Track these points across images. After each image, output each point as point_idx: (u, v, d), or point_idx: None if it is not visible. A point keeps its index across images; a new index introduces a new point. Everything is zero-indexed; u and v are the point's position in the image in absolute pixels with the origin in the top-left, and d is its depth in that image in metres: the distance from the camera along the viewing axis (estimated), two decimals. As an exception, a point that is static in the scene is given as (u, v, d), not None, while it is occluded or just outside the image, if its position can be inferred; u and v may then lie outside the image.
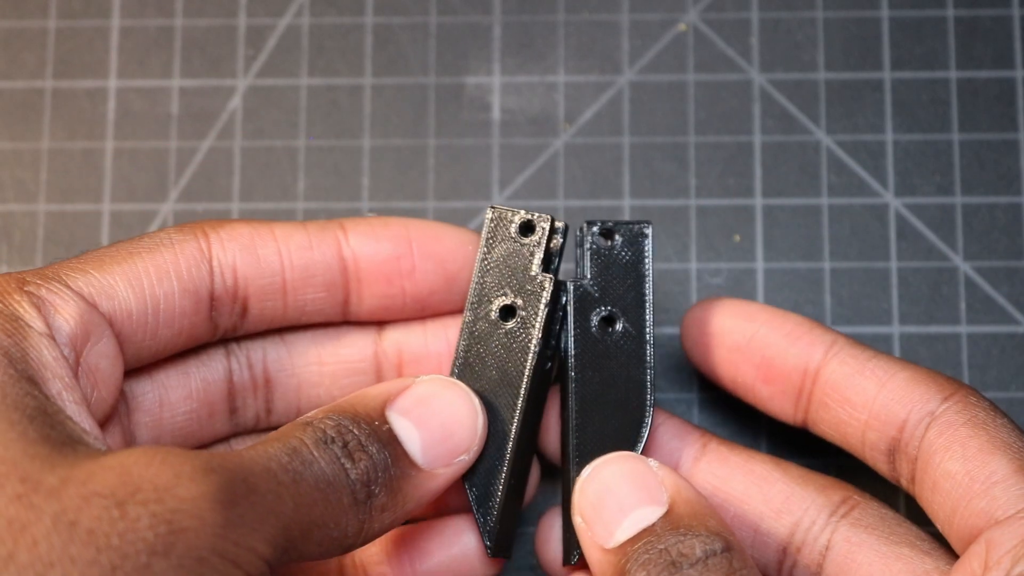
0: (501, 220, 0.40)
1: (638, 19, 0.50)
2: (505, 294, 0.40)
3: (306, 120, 0.50)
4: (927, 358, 0.47)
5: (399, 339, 0.42)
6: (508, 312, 0.40)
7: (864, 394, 0.39)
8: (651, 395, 0.40)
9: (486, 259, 0.40)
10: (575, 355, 0.40)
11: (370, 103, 0.50)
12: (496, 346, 0.39)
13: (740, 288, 0.48)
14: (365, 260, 0.41)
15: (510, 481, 0.39)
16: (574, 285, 0.40)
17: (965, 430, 0.37)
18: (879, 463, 0.40)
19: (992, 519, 0.35)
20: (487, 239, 0.40)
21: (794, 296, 0.48)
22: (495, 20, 0.50)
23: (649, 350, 0.40)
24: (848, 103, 0.49)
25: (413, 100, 0.50)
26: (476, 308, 0.40)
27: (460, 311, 0.42)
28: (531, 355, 0.39)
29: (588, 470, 0.38)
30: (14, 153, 0.50)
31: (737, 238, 0.48)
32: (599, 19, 0.50)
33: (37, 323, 0.34)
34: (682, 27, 0.50)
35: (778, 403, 0.41)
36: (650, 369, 0.40)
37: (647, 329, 0.40)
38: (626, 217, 0.48)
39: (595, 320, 0.40)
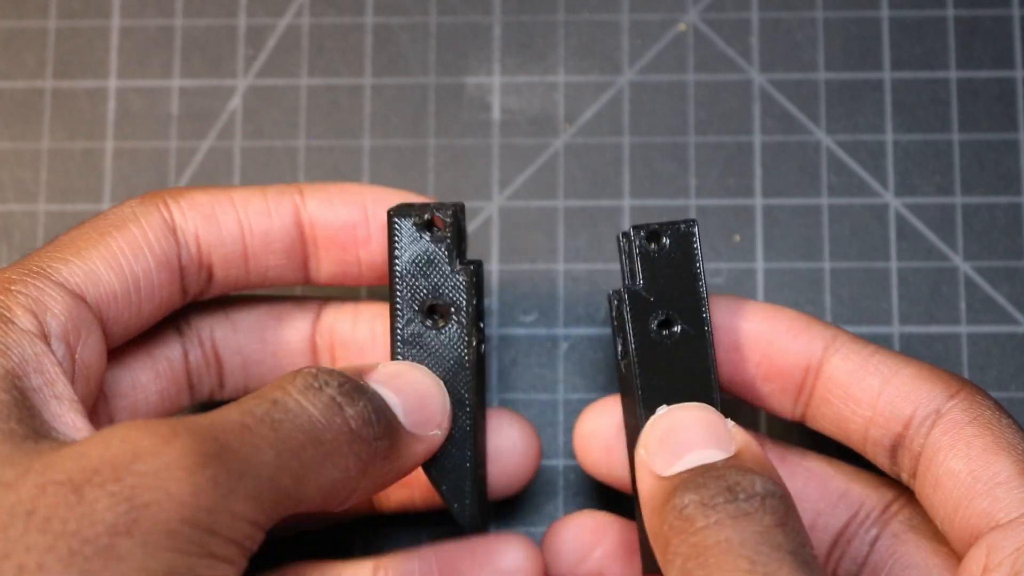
0: (402, 219, 0.39)
1: (638, 19, 0.50)
2: (429, 295, 0.39)
3: (306, 120, 0.50)
4: (927, 358, 0.47)
5: (332, 323, 0.43)
6: (436, 313, 0.39)
7: (869, 390, 0.39)
8: (717, 392, 0.38)
9: (398, 264, 0.39)
10: (638, 363, 0.39)
11: (370, 103, 0.50)
12: (432, 346, 0.39)
13: (740, 288, 0.48)
14: (321, 226, 0.40)
15: (476, 471, 0.39)
16: (629, 293, 0.39)
17: (970, 429, 0.37)
18: (880, 458, 0.40)
19: (993, 521, 0.35)
20: (394, 244, 0.39)
21: (794, 296, 0.48)
22: (495, 20, 0.50)
23: (711, 348, 0.39)
24: (848, 103, 0.49)
25: (413, 100, 0.50)
26: (402, 315, 0.39)
27: None
28: (470, 350, 0.39)
29: (662, 409, 0.37)
30: (14, 153, 0.50)
31: (737, 238, 0.48)
32: (599, 19, 0.50)
33: (23, 321, 0.34)
34: (682, 27, 0.50)
35: (777, 400, 0.41)
36: (713, 367, 0.39)
37: (706, 328, 0.39)
38: (627, 218, 0.48)
39: (654, 325, 0.39)
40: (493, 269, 0.48)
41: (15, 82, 0.50)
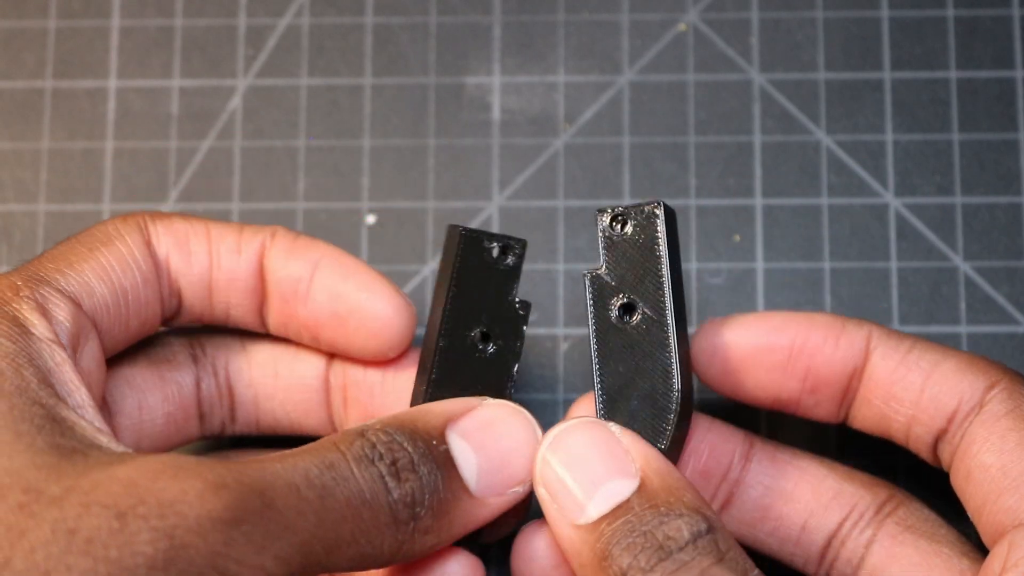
0: (472, 243, 0.39)
1: (638, 19, 0.50)
2: (481, 320, 0.39)
3: (306, 120, 0.50)
4: (927, 358, 0.47)
5: (345, 362, 0.42)
6: (485, 339, 0.39)
7: (911, 388, 0.39)
8: (677, 380, 0.37)
9: (458, 283, 0.39)
10: (596, 348, 0.38)
11: (370, 103, 0.50)
12: (472, 370, 0.39)
13: (740, 288, 0.48)
14: (271, 274, 0.40)
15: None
16: (590, 276, 0.39)
17: (1006, 422, 0.37)
18: (923, 452, 0.39)
19: (1019, 519, 0.35)
20: (458, 262, 0.39)
21: (794, 296, 0.48)
22: (495, 20, 0.50)
23: (672, 334, 0.38)
24: (848, 103, 0.49)
25: (413, 100, 0.50)
26: (451, 333, 0.39)
27: (357, 357, 0.41)
28: (511, 382, 0.39)
29: (549, 438, 0.37)
30: (14, 153, 0.50)
31: (737, 238, 0.48)
32: (599, 19, 0.50)
33: (40, 328, 0.34)
34: (682, 27, 0.50)
35: (824, 408, 0.40)
36: (674, 353, 0.37)
37: (667, 313, 0.38)
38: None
39: (614, 310, 0.38)
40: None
41: (15, 82, 0.50)
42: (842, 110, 0.49)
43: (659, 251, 0.38)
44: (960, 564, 0.38)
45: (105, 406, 0.39)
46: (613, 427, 0.37)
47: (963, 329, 0.47)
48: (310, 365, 0.42)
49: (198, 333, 0.42)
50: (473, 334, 0.39)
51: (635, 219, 0.38)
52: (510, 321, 0.39)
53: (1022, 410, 0.37)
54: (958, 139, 0.49)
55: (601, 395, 0.38)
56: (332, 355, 0.42)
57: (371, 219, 0.49)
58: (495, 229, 0.49)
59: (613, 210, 0.39)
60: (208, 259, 0.40)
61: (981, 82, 0.49)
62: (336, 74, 0.50)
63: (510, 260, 0.39)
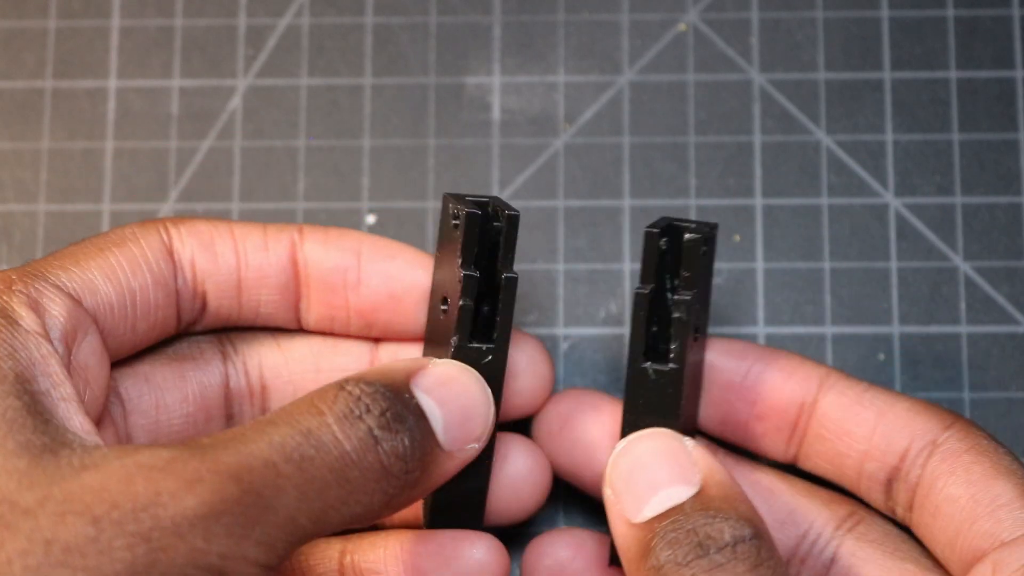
0: (474, 208, 0.38)
1: (638, 19, 0.50)
2: (446, 288, 0.39)
3: (306, 120, 0.50)
4: (927, 358, 0.47)
5: (394, 353, 0.42)
6: (445, 302, 0.39)
7: (864, 425, 0.39)
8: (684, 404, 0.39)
9: (440, 252, 0.39)
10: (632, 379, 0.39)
11: (370, 103, 0.50)
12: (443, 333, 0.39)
13: (740, 288, 0.48)
14: (314, 266, 0.40)
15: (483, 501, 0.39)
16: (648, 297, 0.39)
17: (968, 456, 0.37)
18: (874, 494, 0.40)
19: (998, 541, 0.35)
20: (441, 229, 0.40)
21: (794, 296, 0.48)
22: (495, 20, 0.50)
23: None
24: (848, 103, 0.49)
25: (413, 100, 0.50)
26: (432, 301, 0.40)
27: (410, 336, 0.41)
28: (503, 360, 0.38)
29: (622, 444, 0.38)
30: (14, 153, 0.50)
31: (737, 238, 0.48)
32: (599, 19, 0.50)
33: (27, 321, 0.34)
34: (682, 27, 0.50)
35: (771, 440, 0.41)
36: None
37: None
38: (627, 218, 0.48)
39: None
40: (493, 269, 0.48)
41: (15, 82, 0.50)
42: (842, 110, 0.49)
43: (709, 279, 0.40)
44: None
45: (119, 403, 0.39)
46: (686, 440, 0.38)
47: (963, 329, 0.47)
48: (352, 357, 0.42)
49: (229, 331, 0.42)
50: (440, 301, 0.40)
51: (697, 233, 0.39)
52: (506, 291, 0.38)
53: (982, 446, 0.38)
54: (958, 139, 0.49)
55: (625, 421, 0.39)
56: (379, 340, 0.42)
57: (371, 219, 0.49)
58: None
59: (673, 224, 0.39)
60: (235, 258, 0.40)
61: (981, 82, 0.49)
62: (336, 74, 0.50)
63: (509, 222, 0.38)
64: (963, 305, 0.47)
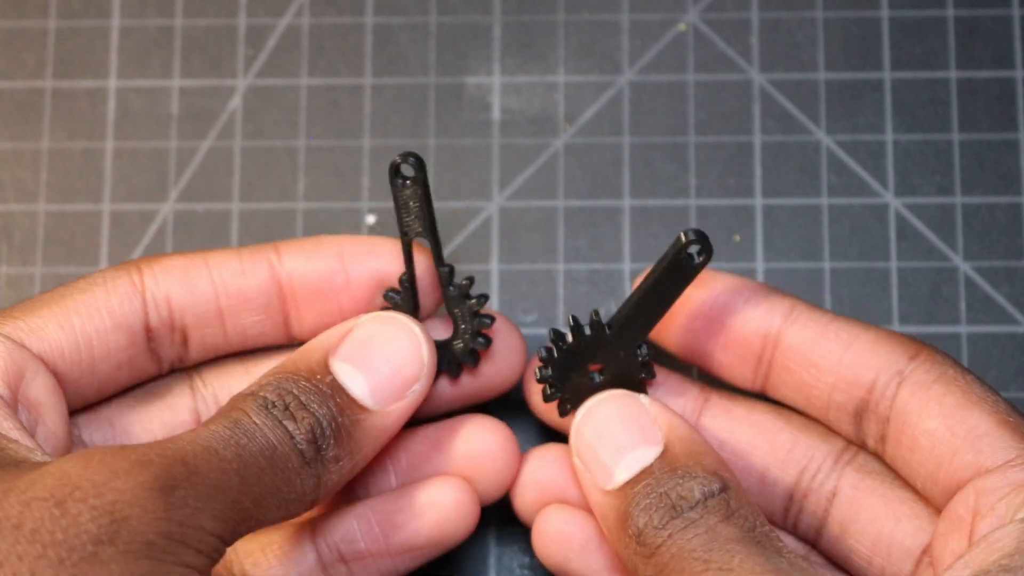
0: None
1: (638, 19, 0.50)
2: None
3: (306, 120, 0.50)
4: (927, 358, 0.47)
5: None
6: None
7: (829, 356, 0.39)
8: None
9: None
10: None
11: (370, 103, 0.50)
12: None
13: (740, 288, 0.48)
14: (299, 279, 0.41)
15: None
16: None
17: (938, 387, 0.37)
18: (844, 425, 0.40)
19: (980, 470, 0.36)
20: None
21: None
22: (495, 20, 0.50)
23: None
24: (848, 103, 0.49)
25: (413, 100, 0.50)
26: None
27: None
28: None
29: (582, 411, 0.39)
30: (14, 153, 0.50)
31: (737, 238, 0.48)
32: (599, 19, 0.50)
33: None
34: (682, 27, 0.50)
35: (737, 369, 0.41)
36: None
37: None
38: (627, 218, 0.48)
39: None
40: (493, 269, 0.48)
41: (15, 82, 0.50)
42: (842, 110, 0.49)
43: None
44: (926, 507, 0.39)
45: (82, 444, 0.40)
46: (643, 398, 0.39)
47: (963, 329, 0.47)
48: None
49: (199, 366, 0.43)
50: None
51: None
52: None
53: (949, 375, 0.38)
54: (958, 139, 0.49)
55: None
56: None
57: (371, 219, 0.49)
58: (495, 229, 0.49)
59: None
60: (211, 286, 0.41)
61: (981, 82, 0.49)
62: (336, 74, 0.50)
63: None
64: (963, 305, 0.47)
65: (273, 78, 0.50)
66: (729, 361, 0.41)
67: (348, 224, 0.49)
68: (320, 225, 0.49)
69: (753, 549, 0.34)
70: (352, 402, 0.38)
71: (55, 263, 0.49)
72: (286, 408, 0.36)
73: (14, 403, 0.36)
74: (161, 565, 0.31)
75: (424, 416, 0.42)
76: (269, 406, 0.36)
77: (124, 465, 0.31)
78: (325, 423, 0.36)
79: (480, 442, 0.42)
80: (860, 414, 0.39)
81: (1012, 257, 0.48)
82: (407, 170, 0.39)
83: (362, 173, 0.49)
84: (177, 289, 0.40)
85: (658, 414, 0.38)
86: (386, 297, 0.41)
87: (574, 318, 0.40)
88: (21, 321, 0.38)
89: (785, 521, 0.41)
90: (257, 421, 0.35)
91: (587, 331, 0.40)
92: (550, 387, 0.41)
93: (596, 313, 0.40)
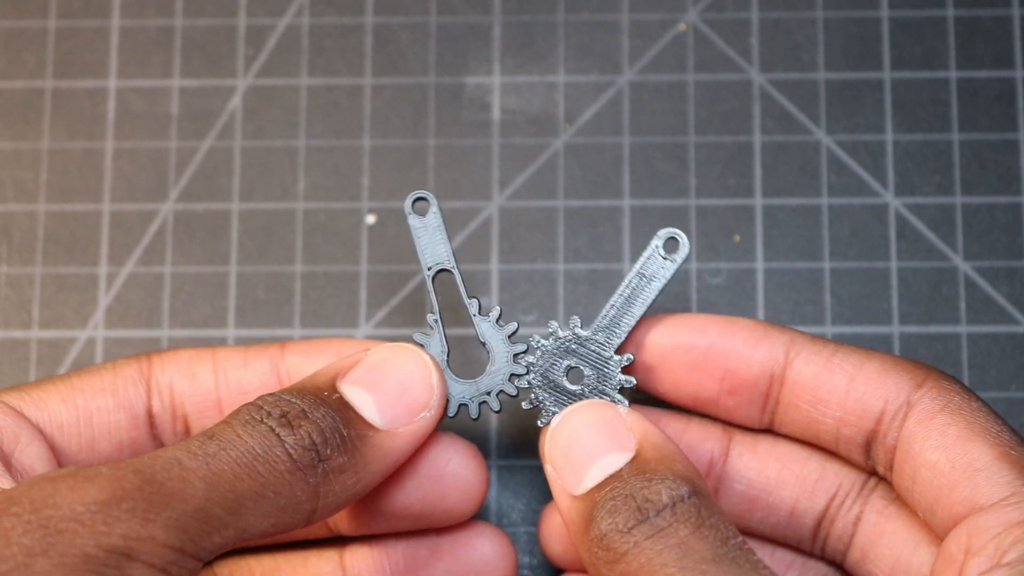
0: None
1: (638, 19, 0.50)
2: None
3: (306, 120, 0.50)
4: (927, 358, 0.47)
5: None
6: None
7: (836, 391, 0.39)
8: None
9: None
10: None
11: (370, 103, 0.50)
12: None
13: (740, 288, 0.48)
14: (297, 376, 0.41)
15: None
16: None
17: (942, 417, 0.37)
18: (854, 455, 0.40)
19: (975, 506, 0.36)
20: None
21: (794, 296, 0.48)
22: (495, 20, 0.50)
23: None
24: (848, 103, 0.49)
25: (413, 100, 0.50)
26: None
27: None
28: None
29: (558, 419, 0.39)
30: (14, 153, 0.50)
31: (737, 238, 0.48)
32: (599, 19, 0.50)
33: None
34: (682, 27, 0.50)
35: (744, 411, 0.41)
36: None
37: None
38: (627, 218, 0.48)
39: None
40: (493, 269, 0.48)
41: (15, 82, 0.50)
42: (842, 110, 0.49)
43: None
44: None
45: None
46: (620, 407, 0.39)
47: (963, 329, 0.47)
48: None
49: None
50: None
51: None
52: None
53: (955, 404, 0.37)
54: (958, 139, 0.49)
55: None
56: None
57: (371, 219, 0.49)
58: (495, 229, 0.49)
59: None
60: (214, 377, 0.42)
61: (981, 82, 0.49)
62: (336, 74, 0.50)
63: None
64: (963, 305, 0.47)
65: (273, 78, 0.50)
66: (736, 404, 0.41)
67: (348, 224, 0.49)
68: (320, 225, 0.49)
69: (728, 569, 0.33)
70: (359, 418, 0.38)
71: (55, 263, 0.49)
72: (283, 416, 0.36)
73: (9, 465, 0.37)
74: None
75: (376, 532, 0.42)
76: (263, 416, 0.36)
77: (69, 482, 0.32)
78: (328, 431, 0.36)
79: (449, 465, 0.42)
80: (869, 444, 0.39)
81: (1012, 257, 0.48)
82: (421, 207, 0.40)
83: (362, 173, 0.49)
84: (180, 378, 0.41)
85: (634, 422, 0.38)
86: (415, 339, 0.41)
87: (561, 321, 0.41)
88: (24, 392, 0.39)
89: (813, 546, 0.41)
90: (240, 431, 0.35)
91: (563, 332, 0.40)
92: (534, 396, 0.41)
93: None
